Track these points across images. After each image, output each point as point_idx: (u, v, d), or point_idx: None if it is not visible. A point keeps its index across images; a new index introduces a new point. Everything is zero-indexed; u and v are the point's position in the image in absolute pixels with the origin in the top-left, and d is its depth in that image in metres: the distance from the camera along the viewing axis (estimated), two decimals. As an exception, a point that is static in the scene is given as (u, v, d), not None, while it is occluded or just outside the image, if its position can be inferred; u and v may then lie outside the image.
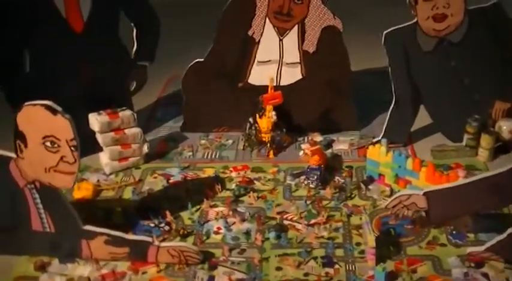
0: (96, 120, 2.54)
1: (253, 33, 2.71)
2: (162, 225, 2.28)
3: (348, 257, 2.07)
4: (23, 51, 2.61)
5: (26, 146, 2.00)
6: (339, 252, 2.10)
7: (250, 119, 2.73)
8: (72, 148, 1.96)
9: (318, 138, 2.77)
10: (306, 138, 2.80)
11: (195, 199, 2.41)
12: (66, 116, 1.96)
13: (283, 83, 2.77)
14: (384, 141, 2.41)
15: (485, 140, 2.49)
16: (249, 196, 2.40)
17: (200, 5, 4.39)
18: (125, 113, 2.61)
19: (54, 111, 1.95)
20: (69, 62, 2.61)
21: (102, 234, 2.12)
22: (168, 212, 2.31)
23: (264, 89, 2.74)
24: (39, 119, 1.96)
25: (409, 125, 2.68)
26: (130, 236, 2.14)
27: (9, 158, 2.07)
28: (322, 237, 2.17)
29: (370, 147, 2.44)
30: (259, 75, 2.78)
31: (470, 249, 2.05)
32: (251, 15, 2.67)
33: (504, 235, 1.93)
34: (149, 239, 2.12)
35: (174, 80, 3.41)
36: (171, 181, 2.53)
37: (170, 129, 2.97)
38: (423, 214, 2.12)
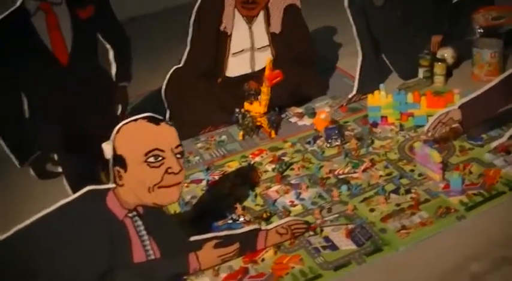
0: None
1: (225, 27, 2.82)
2: (241, 218, 2.29)
3: (414, 181, 2.35)
4: (20, 96, 2.34)
5: (125, 171, 1.85)
6: (404, 181, 2.37)
7: (238, 110, 2.83)
8: (178, 155, 1.89)
9: (299, 110, 2.99)
10: (286, 113, 2.99)
11: (246, 188, 2.45)
12: (170, 123, 1.89)
13: (257, 68, 2.93)
14: (382, 86, 2.75)
15: (440, 68, 2.98)
16: (292, 168, 2.53)
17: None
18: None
19: (157, 121, 1.87)
20: (59, 95, 2.43)
21: (210, 239, 2.06)
22: (238, 205, 2.34)
23: (240, 78, 2.88)
24: (141, 135, 1.84)
25: (376, 74, 3.05)
26: (238, 231, 2.13)
27: (106, 191, 1.90)
28: (381, 176, 2.43)
29: (369, 95, 2.75)
30: (235, 66, 2.91)
31: (493, 144, 2.48)
32: (221, 10, 2.77)
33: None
34: (256, 226, 2.14)
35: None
36: (210, 182, 2.52)
37: (157, 145, 2.88)
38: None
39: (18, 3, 2.38)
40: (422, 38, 3.08)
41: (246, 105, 2.82)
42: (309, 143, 2.70)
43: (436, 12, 3.06)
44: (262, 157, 2.66)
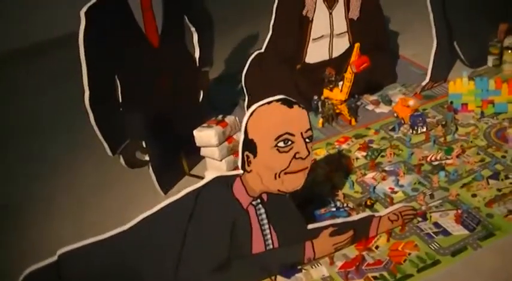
0: (213, 134, 2.39)
1: (307, 12, 2.80)
2: (345, 205, 2.30)
3: (508, 167, 2.39)
4: (115, 81, 2.30)
5: (255, 156, 1.84)
6: (498, 167, 2.41)
7: (316, 97, 2.83)
8: (307, 140, 1.86)
9: (374, 97, 3.01)
10: (361, 101, 2.98)
11: (340, 175, 2.47)
12: (302, 106, 1.87)
13: (335, 54, 2.94)
14: (465, 73, 2.77)
15: (510, 56, 3.01)
16: (383, 155, 2.55)
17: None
18: (230, 118, 2.51)
19: (290, 104, 1.84)
20: (150, 79, 2.41)
21: (326, 227, 2.08)
22: (340, 192, 2.35)
23: (318, 65, 2.89)
24: (273, 118, 1.82)
25: (449, 62, 3.08)
26: (352, 218, 2.15)
27: (234, 178, 1.89)
28: (475, 161, 2.46)
29: (451, 83, 2.78)
30: (314, 52, 2.91)
31: None
32: (304, -5, 2.77)
33: None
34: (370, 213, 2.16)
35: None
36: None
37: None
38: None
39: None
40: (490, 26, 3.10)
41: (326, 92, 2.82)
42: (393, 130, 2.73)
43: (503, 0, 3.09)
44: (348, 144, 2.67)
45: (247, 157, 1.85)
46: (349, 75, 2.72)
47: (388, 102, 2.95)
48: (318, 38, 2.88)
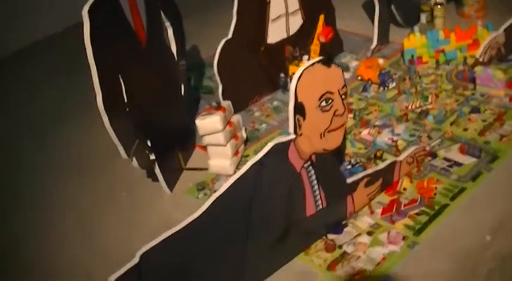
0: (218, 119, 2.34)
1: None
2: (358, 162, 2.38)
3: (481, 101, 2.63)
4: (120, 82, 2.15)
5: (304, 118, 1.86)
6: (473, 103, 2.64)
7: (283, 74, 2.89)
8: (343, 96, 1.92)
9: (330, 67, 3.10)
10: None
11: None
12: (337, 64, 1.92)
13: (292, 32, 2.98)
14: (416, 28, 2.97)
15: (440, 11, 3.28)
16: (368, 113, 2.68)
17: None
18: (225, 103, 2.49)
19: (328, 64, 1.89)
20: (145, 76, 2.31)
21: (361, 179, 2.15)
22: (348, 151, 2.43)
23: (278, 44, 2.93)
24: (316, 79, 1.86)
25: (389, 24, 3.27)
26: (380, 166, 2.23)
27: (289, 143, 1.87)
28: (452, 102, 2.65)
29: (405, 39, 2.96)
30: (273, 33, 2.92)
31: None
32: (260, -23, 2.79)
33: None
34: (394, 158, 2.26)
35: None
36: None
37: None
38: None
39: None
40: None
41: (292, 68, 2.87)
42: (365, 90, 2.87)
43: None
44: (330, 110, 2.76)
45: (298, 120, 1.87)
46: (315, 47, 2.83)
47: (346, 68, 3.08)
48: (276, 18, 2.92)
